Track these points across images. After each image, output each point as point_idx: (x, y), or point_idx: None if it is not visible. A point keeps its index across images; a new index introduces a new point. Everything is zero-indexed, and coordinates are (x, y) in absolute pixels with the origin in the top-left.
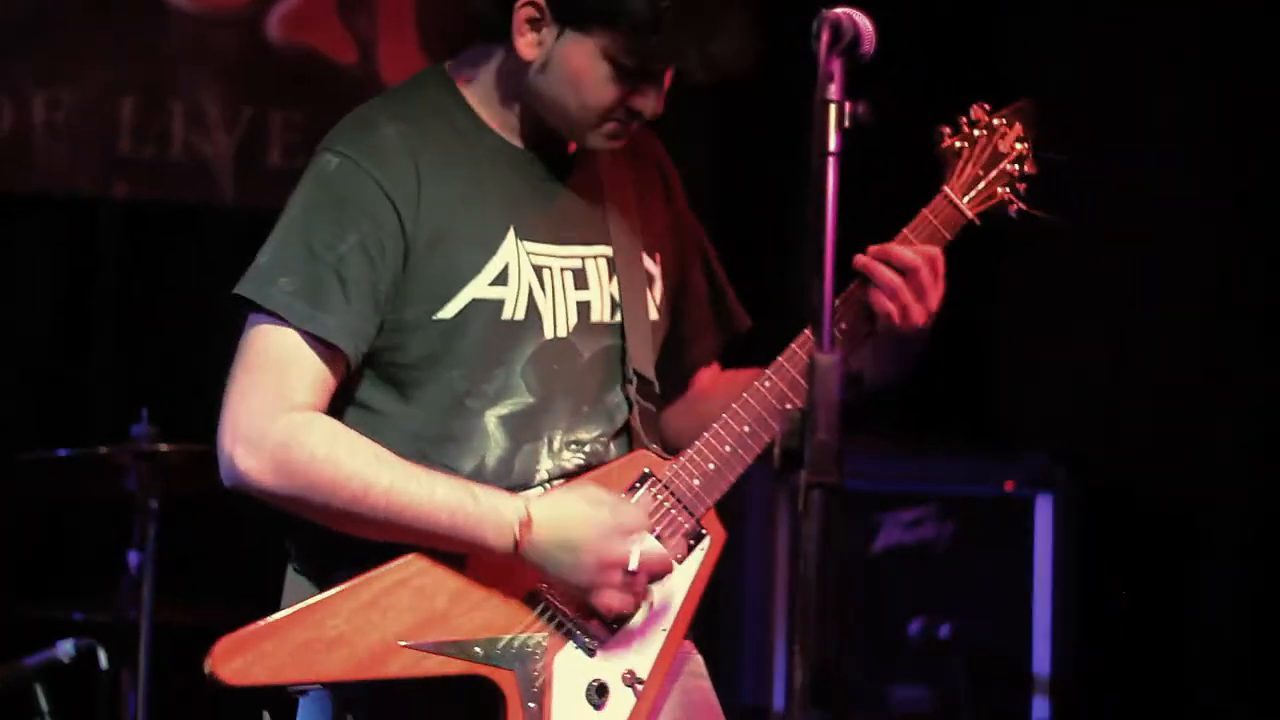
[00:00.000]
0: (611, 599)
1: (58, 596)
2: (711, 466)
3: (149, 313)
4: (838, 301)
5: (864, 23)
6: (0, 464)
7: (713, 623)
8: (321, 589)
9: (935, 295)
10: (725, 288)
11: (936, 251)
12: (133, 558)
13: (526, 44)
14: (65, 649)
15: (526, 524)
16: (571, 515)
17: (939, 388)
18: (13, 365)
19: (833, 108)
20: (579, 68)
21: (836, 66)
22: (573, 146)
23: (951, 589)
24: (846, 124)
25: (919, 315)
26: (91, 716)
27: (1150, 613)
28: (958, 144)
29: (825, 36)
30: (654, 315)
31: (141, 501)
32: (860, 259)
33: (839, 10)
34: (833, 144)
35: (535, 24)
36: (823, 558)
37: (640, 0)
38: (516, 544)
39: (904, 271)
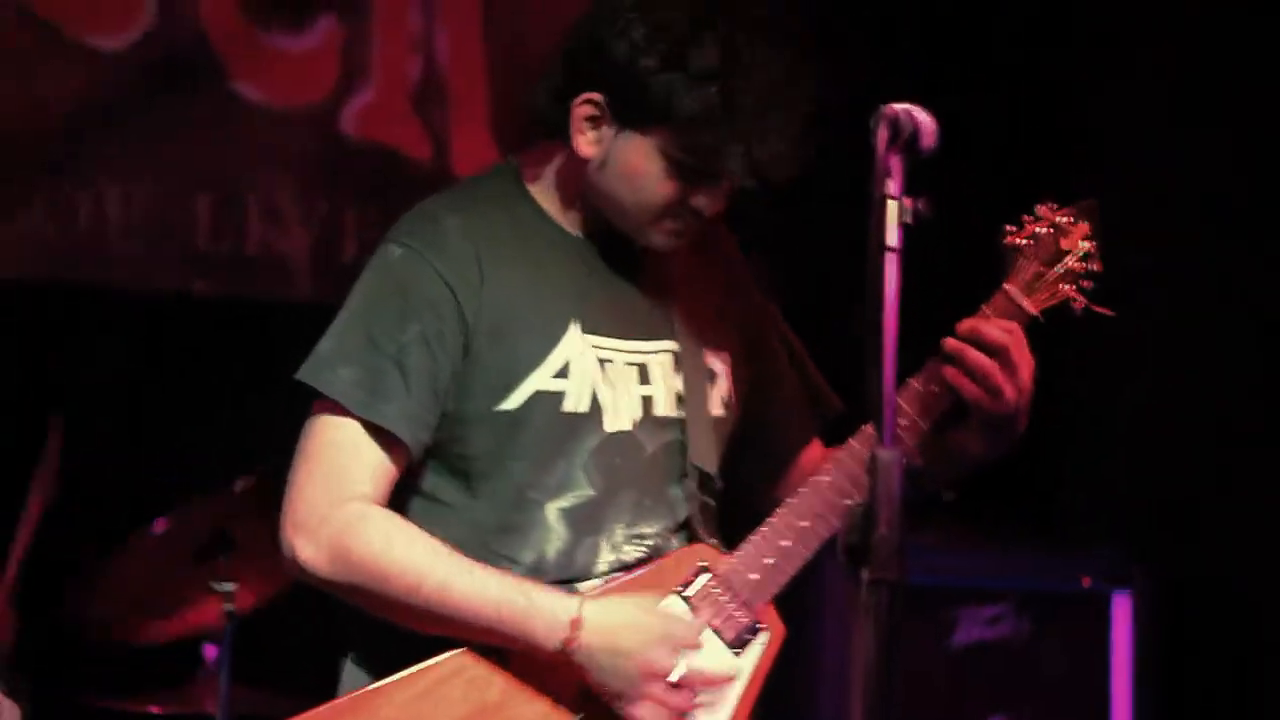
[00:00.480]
0: (645, 711)
1: (133, 690)
2: (769, 561)
3: (221, 407)
4: (918, 383)
5: (924, 118)
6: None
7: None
8: (377, 679)
9: (1026, 371)
10: (812, 371)
11: (1016, 326)
12: (209, 651)
13: (585, 142)
14: None
15: (576, 623)
16: (622, 621)
17: (1004, 479)
18: (91, 461)
19: (891, 204)
20: (636, 166)
21: (895, 162)
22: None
23: (1029, 686)
24: (908, 220)
25: (1012, 393)
26: None
27: (1231, 709)
28: (1021, 241)
29: (883, 132)
30: (718, 411)
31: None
32: (951, 343)
33: (897, 106)
34: (892, 239)
35: (594, 121)
36: (885, 655)
37: (693, 98)
38: (565, 643)
39: (993, 352)
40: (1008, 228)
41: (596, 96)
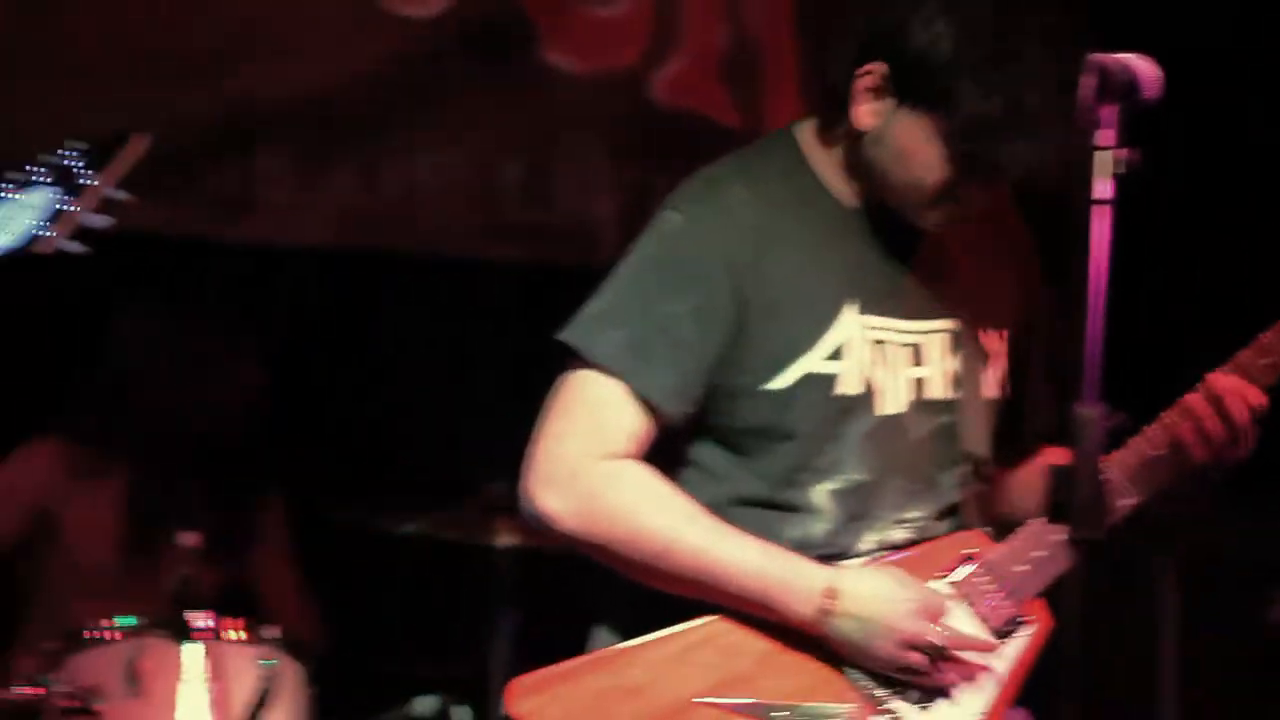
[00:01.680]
0: (914, 678)
1: (424, 652)
2: (1040, 553)
3: (527, 372)
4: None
5: (1144, 68)
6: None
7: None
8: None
9: (1248, 445)
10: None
11: (1265, 401)
12: (501, 615)
13: (864, 113)
14: (424, 705)
15: (832, 594)
16: (878, 593)
17: None
18: (394, 422)
19: (1100, 155)
20: (912, 146)
21: (1108, 113)
22: None
23: None
24: (1120, 171)
25: (1230, 462)
26: None
27: None
28: None
29: (1090, 81)
30: (992, 393)
31: (503, 557)
32: (1195, 403)
33: (1109, 55)
34: (1103, 192)
35: (876, 93)
36: (1082, 615)
37: (983, 93)
38: (821, 611)
39: (1232, 424)
40: None
41: (882, 68)
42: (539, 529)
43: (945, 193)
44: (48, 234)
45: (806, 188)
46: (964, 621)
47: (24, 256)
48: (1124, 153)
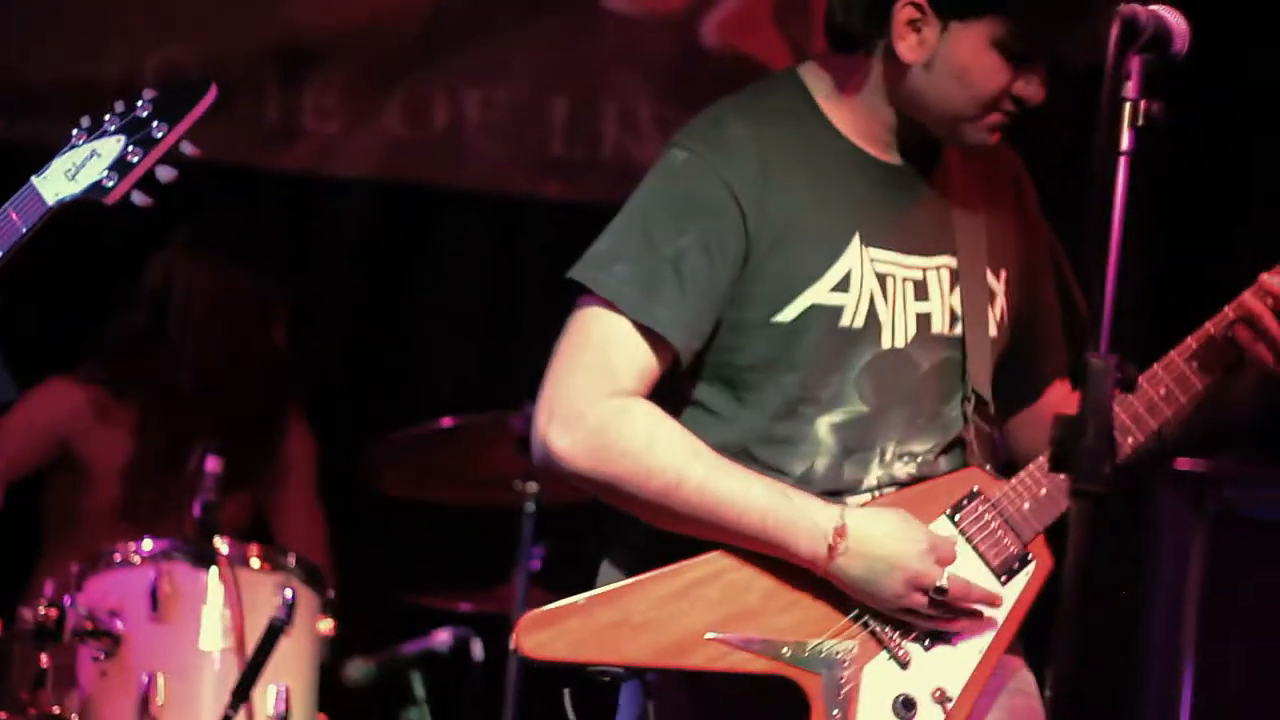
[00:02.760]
0: (916, 619)
1: (448, 586)
2: (1044, 492)
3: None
4: (1212, 329)
5: (1174, 20)
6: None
7: (1115, 658)
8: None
9: None
10: (1079, 305)
11: None
12: (530, 553)
13: (909, 46)
14: (443, 639)
15: (840, 532)
16: (886, 532)
17: None
18: (434, 359)
19: (1126, 106)
20: (968, 60)
21: (1134, 63)
22: (943, 153)
23: None
24: (1141, 123)
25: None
26: (463, 707)
27: None
28: None
29: (1116, 32)
30: (993, 332)
31: (522, 491)
32: (1252, 305)
33: (1138, 6)
34: (1124, 142)
35: (916, 25)
36: (1084, 569)
37: None
38: (829, 550)
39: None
40: None
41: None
42: (552, 470)
43: (1003, 99)
44: (115, 185)
45: (811, 124)
46: (967, 560)
47: (89, 206)
48: (1150, 104)
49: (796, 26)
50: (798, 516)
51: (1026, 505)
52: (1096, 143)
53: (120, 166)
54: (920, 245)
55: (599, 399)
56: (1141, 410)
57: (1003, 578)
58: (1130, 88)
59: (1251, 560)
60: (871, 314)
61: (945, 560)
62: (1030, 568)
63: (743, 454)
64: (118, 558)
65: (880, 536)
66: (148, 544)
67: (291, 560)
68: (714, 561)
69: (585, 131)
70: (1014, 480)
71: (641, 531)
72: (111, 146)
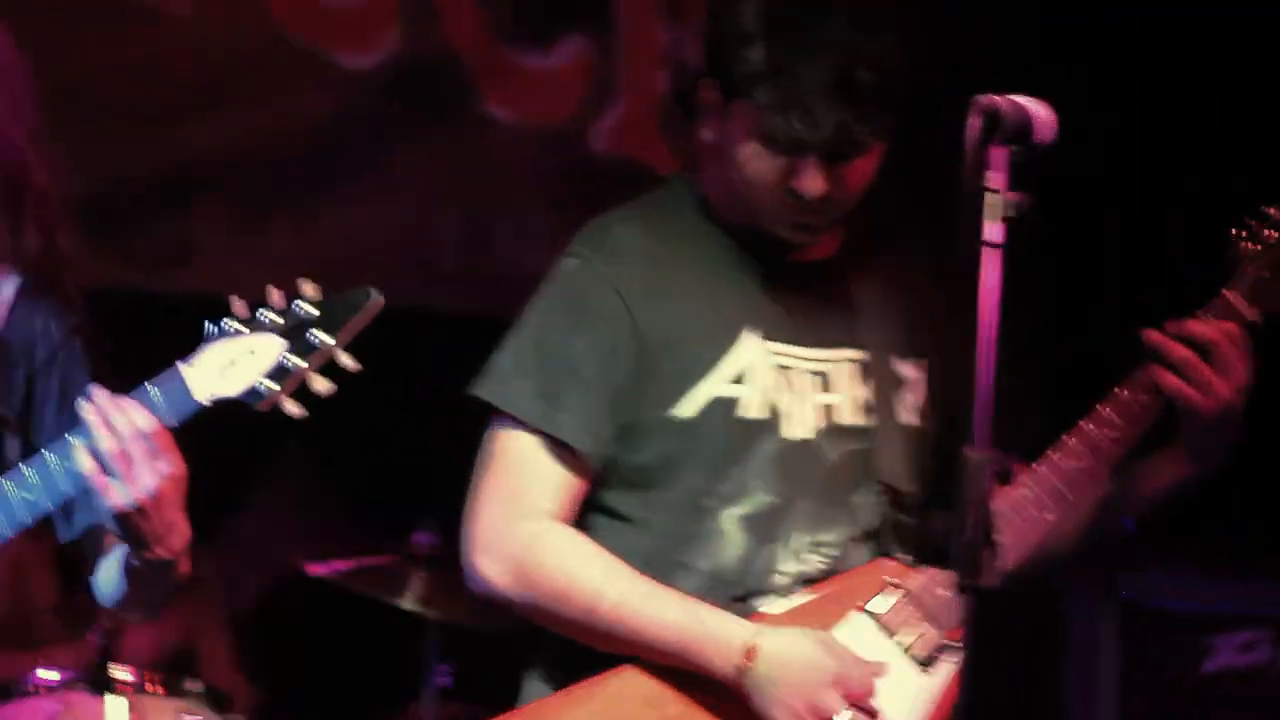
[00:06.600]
0: None
1: (358, 704)
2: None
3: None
4: (1125, 392)
5: (1038, 110)
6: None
7: None
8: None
9: (1241, 369)
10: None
11: (1233, 326)
12: (435, 671)
13: (708, 132)
14: None
15: (752, 652)
16: (797, 656)
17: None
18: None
19: (990, 197)
20: (734, 147)
21: (997, 154)
22: (819, 247)
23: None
24: (1010, 215)
25: (1224, 390)
26: None
27: None
28: (1249, 246)
29: (975, 122)
30: (910, 420)
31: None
32: (1153, 335)
33: (999, 96)
34: (992, 235)
35: (712, 108)
36: (971, 662)
37: (746, 63)
38: (738, 670)
39: (1202, 348)
40: (1235, 231)
41: (710, 81)
42: (482, 595)
43: (779, 191)
44: (271, 394)
45: (699, 223)
46: (885, 653)
47: (236, 409)
48: (1015, 196)
49: (683, 132)
50: (710, 636)
51: (946, 593)
52: (961, 236)
53: (278, 374)
54: (821, 338)
55: (515, 523)
56: (1059, 484)
57: (925, 668)
58: (994, 179)
59: (1165, 650)
60: (772, 406)
61: (853, 695)
62: (955, 655)
63: (655, 556)
64: (19, 687)
65: (790, 661)
66: (49, 673)
67: (196, 685)
68: (629, 676)
69: (477, 242)
70: (931, 568)
71: (561, 645)
72: (269, 348)
